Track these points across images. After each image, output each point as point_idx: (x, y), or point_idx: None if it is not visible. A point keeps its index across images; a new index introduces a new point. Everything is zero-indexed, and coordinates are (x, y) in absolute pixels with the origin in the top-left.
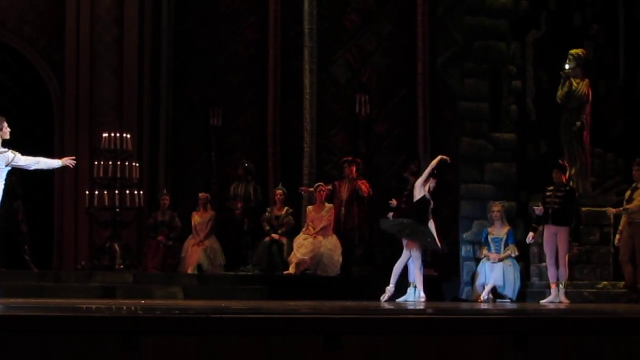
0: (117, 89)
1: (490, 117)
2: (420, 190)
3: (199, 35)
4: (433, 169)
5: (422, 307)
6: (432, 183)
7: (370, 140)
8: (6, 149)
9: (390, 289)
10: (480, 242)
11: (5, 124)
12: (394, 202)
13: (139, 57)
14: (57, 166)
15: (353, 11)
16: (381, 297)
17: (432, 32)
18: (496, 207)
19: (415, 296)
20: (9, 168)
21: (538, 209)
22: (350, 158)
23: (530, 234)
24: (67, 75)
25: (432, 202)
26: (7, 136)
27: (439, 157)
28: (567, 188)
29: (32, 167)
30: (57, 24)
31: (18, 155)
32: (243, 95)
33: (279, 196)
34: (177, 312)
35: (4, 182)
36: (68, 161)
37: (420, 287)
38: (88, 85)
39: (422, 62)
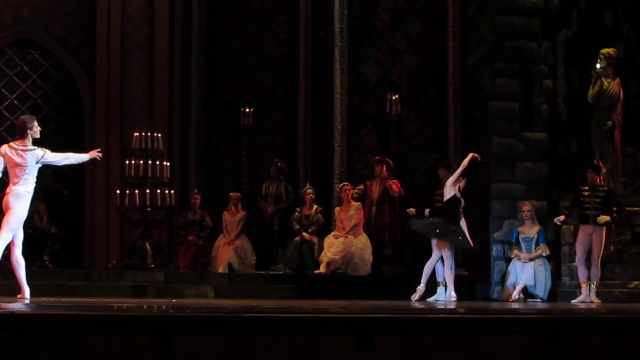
0: (148, 88)
1: (522, 116)
2: (450, 189)
3: (230, 34)
4: (465, 169)
5: (453, 307)
6: (462, 182)
7: (401, 140)
8: (36, 147)
9: (421, 288)
10: (511, 242)
11: (36, 123)
12: (412, 211)
13: (170, 56)
14: (86, 160)
15: (384, 11)
16: (412, 297)
17: (463, 32)
18: (527, 207)
19: (447, 296)
20: (39, 166)
21: (559, 220)
22: (380, 158)
23: (562, 217)
24: (98, 74)
25: (463, 202)
26: (38, 135)
27: (470, 156)
28: (605, 189)
29: (63, 163)
30: (88, 23)
31: (48, 152)
32: (274, 95)
33: (308, 196)
34: (208, 311)
35: (35, 180)
36: (95, 154)
37: (451, 287)
38: (119, 85)
39: (453, 61)
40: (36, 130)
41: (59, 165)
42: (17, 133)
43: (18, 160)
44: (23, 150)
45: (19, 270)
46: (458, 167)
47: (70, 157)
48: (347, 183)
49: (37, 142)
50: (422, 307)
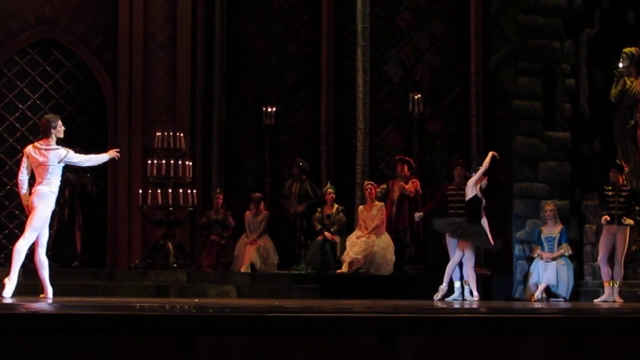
0: (170, 88)
1: (544, 115)
2: (472, 189)
3: (252, 33)
4: (486, 168)
5: (475, 306)
6: (484, 181)
7: (423, 139)
8: (59, 147)
9: (443, 287)
10: (534, 241)
11: (60, 123)
12: (420, 214)
13: (192, 55)
14: (106, 160)
15: (406, 10)
16: (434, 296)
17: (485, 31)
18: (549, 206)
19: (466, 295)
20: (62, 165)
21: (605, 219)
22: (402, 157)
23: (607, 217)
24: (120, 74)
25: (484, 201)
26: (62, 135)
27: (490, 155)
28: (629, 188)
29: (85, 165)
30: (110, 23)
31: (71, 152)
32: (296, 94)
33: (329, 195)
34: (231, 311)
35: (59, 179)
36: (114, 153)
37: (473, 286)
38: (141, 84)
39: (476, 60)
40: (60, 130)
41: (82, 167)
42: (41, 132)
43: (41, 159)
44: (46, 150)
45: (42, 270)
46: (478, 167)
47: (92, 159)
48: (371, 182)
49: (62, 142)
50: (444, 306)
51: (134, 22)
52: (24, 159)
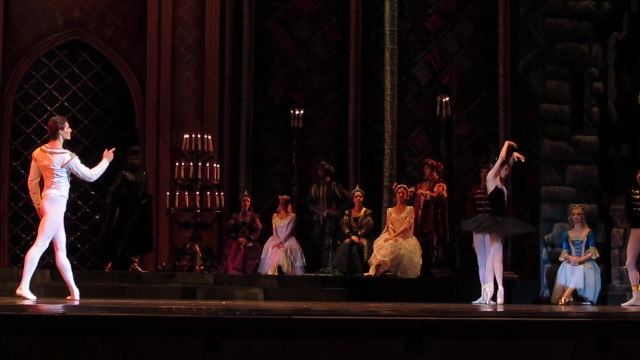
0: (199, 91)
1: (572, 119)
2: (492, 182)
3: (280, 36)
4: (504, 159)
5: (503, 309)
6: (504, 171)
7: (451, 143)
8: (66, 151)
9: (489, 289)
10: (561, 245)
11: (67, 125)
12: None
13: (221, 58)
14: (107, 166)
15: (434, 13)
16: (481, 299)
17: (513, 34)
18: (577, 210)
19: (490, 291)
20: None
21: None
22: (430, 160)
23: None
24: (149, 76)
25: (506, 191)
26: (69, 137)
27: (506, 145)
28: None
29: (90, 179)
30: (138, 25)
31: (76, 159)
32: (324, 97)
33: (356, 198)
34: (258, 313)
35: (68, 182)
36: (110, 155)
37: (500, 280)
38: (169, 87)
39: (504, 64)
40: (67, 132)
41: (90, 181)
42: (49, 135)
43: (46, 162)
44: (51, 153)
45: (66, 274)
46: (496, 158)
47: (95, 172)
48: (403, 185)
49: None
50: (471, 309)
51: (163, 25)
52: (33, 163)
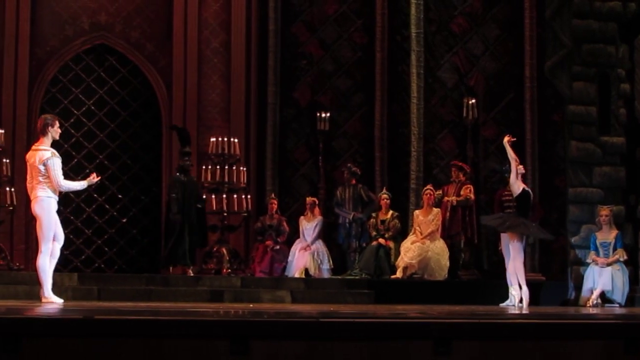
0: (225, 94)
1: (599, 120)
2: (517, 185)
3: (306, 39)
4: (515, 158)
5: (530, 311)
6: (520, 168)
7: (477, 145)
8: (48, 148)
9: (515, 292)
10: (589, 246)
11: (57, 123)
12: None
13: (247, 61)
14: (85, 186)
15: (460, 15)
16: (508, 302)
17: (539, 36)
18: (604, 211)
19: (516, 294)
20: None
21: None
22: (456, 162)
23: None
24: (175, 80)
25: (532, 194)
26: (57, 136)
27: (506, 143)
28: None
29: (61, 185)
30: (164, 29)
31: (54, 159)
32: (350, 100)
33: (383, 200)
34: (285, 316)
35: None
36: (94, 180)
37: (522, 280)
38: (195, 90)
39: (530, 65)
40: (57, 130)
41: (59, 188)
42: (38, 132)
43: (32, 160)
44: (36, 149)
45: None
46: (506, 164)
47: (66, 184)
48: (430, 187)
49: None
50: (499, 311)
51: (189, 28)
52: (27, 164)
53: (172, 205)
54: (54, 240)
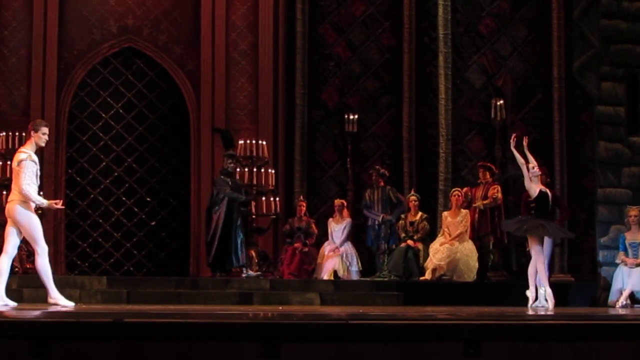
0: (253, 96)
1: (628, 121)
2: (533, 188)
3: (333, 41)
4: (524, 163)
5: (559, 313)
6: (534, 172)
7: (506, 145)
8: (27, 151)
9: (531, 293)
10: (618, 247)
11: (45, 130)
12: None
13: (274, 63)
14: (42, 205)
15: (488, 16)
16: (538, 302)
17: (567, 36)
18: (633, 212)
19: (531, 296)
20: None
21: None
22: (484, 163)
23: None
24: (203, 82)
25: (549, 194)
26: (43, 143)
27: (513, 147)
28: None
29: (22, 192)
30: (192, 31)
31: (28, 162)
32: (378, 101)
33: (412, 202)
34: (314, 318)
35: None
36: (53, 206)
37: (545, 282)
38: (223, 92)
39: (558, 66)
40: (41, 137)
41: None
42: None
43: (13, 164)
44: (17, 151)
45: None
46: (517, 170)
47: (29, 192)
48: (458, 188)
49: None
50: (529, 313)
51: (216, 31)
52: None
53: (237, 202)
54: (36, 253)
